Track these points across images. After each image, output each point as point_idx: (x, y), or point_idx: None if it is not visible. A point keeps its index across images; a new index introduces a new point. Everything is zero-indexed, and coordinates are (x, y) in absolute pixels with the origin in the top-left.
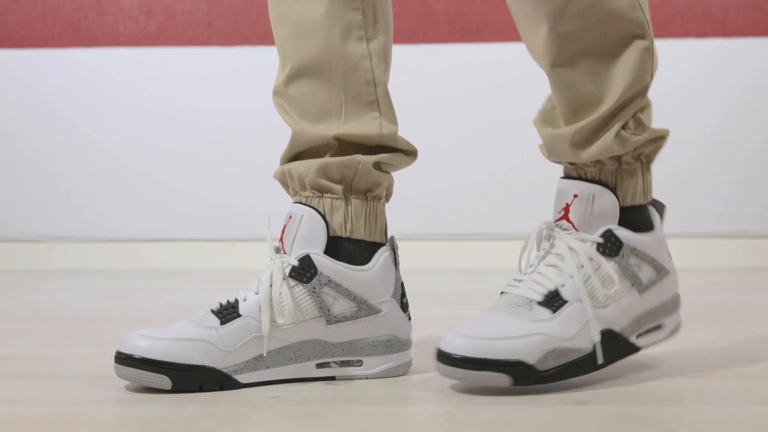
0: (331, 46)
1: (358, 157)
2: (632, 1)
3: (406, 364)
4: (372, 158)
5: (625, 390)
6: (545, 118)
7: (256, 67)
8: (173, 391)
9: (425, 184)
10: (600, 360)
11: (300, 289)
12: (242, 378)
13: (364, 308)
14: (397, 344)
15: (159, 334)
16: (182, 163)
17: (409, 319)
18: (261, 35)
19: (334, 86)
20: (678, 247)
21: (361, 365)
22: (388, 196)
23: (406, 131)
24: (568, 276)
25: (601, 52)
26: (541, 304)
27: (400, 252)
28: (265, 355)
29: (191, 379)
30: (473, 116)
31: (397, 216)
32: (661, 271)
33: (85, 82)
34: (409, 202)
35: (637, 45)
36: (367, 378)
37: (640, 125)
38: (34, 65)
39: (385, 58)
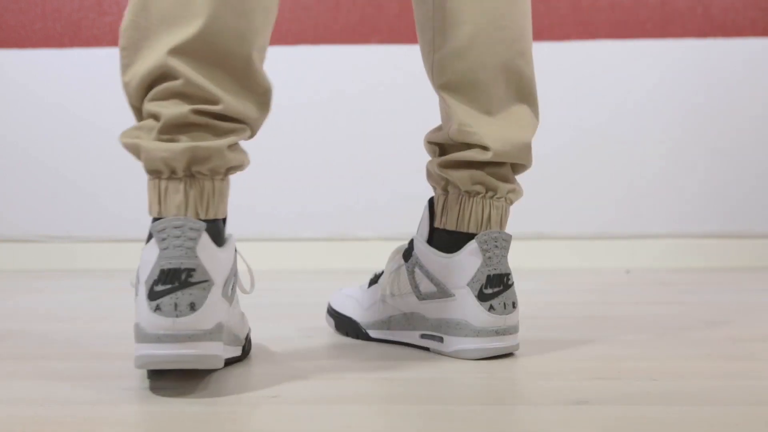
0: None
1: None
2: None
3: (477, 350)
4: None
5: (625, 390)
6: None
7: None
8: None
9: (425, 184)
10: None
11: (405, 267)
12: (372, 333)
13: (441, 290)
14: (466, 329)
15: (347, 291)
16: None
17: (489, 309)
18: None
19: None
20: (678, 247)
21: (442, 342)
22: (487, 189)
23: (406, 131)
24: None
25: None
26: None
27: None
28: (367, 307)
29: (343, 324)
30: None
31: (398, 215)
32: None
33: (85, 82)
34: (409, 202)
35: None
36: (442, 354)
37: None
38: (34, 65)
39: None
